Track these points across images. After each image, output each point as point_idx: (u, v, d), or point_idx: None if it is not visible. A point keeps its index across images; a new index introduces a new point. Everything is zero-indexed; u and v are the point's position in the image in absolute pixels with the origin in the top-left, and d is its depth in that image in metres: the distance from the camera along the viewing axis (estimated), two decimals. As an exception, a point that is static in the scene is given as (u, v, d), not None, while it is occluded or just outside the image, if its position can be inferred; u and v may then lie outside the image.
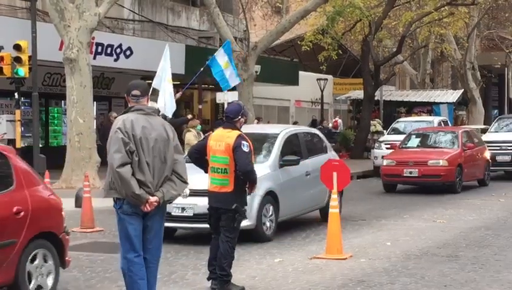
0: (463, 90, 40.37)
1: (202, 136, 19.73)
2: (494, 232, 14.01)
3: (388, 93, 40.42)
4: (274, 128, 15.53)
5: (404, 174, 21.13)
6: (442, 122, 29.84)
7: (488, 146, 25.24)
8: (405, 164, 21.18)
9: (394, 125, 30.32)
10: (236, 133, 9.16)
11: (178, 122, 19.10)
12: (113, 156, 7.15)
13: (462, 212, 16.93)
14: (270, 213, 13.06)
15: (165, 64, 18.08)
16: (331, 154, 15.22)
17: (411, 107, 38.90)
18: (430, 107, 37.90)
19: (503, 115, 35.73)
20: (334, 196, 11.54)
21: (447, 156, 21.34)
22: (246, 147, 9.06)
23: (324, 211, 14.28)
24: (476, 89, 40.19)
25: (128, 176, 7.10)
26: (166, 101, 17.86)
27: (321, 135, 15.97)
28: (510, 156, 26.24)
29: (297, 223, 14.87)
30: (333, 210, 11.44)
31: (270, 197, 13.09)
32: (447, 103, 37.78)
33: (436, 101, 38.10)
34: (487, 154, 23.99)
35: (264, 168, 12.98)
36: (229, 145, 9.05)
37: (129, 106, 7.48)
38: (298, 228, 14.49)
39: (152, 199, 7.21)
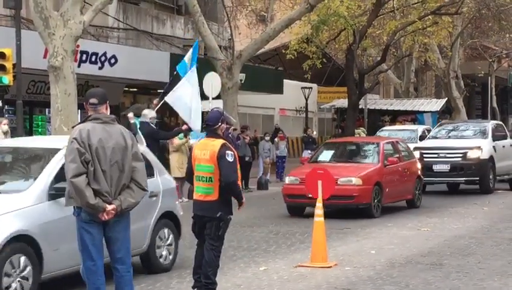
0: (447, 99, 40.55)
1: (188, 142, 19.79)
2: (477, 240, 14.06)
3: (372, 101, 40.56)
4: (54, 142, 10.55)
5: (310, 195, 15.39)
6: (426, 131, 29.96)
7: (425, 154, 23.14)
8: None
9: (378, 134, 30.40)
10: (220, 141, 9.14)
11: (172, 134, 19.11)
12: (68, 166, 7.22)
13: (446, 221, 16.98)
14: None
15: (195, 90, 18.31)
16: (159, 180, 10.99)
17: (395, 116, 39.05)
18: (414, 116, 38.07)
19: (446, 120, 32.48)
20: (319, 204, 11.56)
21: (361, 172, 17.68)
22: (230, 156, 9.02)
23: (146, 259, 10.70)
24: (459, 97, 40.37)
25: (82, 186, 7.14)
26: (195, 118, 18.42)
27: (150, 156, 11.02)
28: (449, 165, 23.08)
29: (283, 232, 14.88)
30: (318, 219, 11.46)
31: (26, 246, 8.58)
32: (430, 111, 37.95)
33: (420, 109, 38.26)
34: (418, 170, 20.23)
35: (16, 199, 8.80)
36: (214, 154, 9.02)
37: (88, 114, 7.50)
38: (284, 236, 14.50)
39: (109, 207, 7.23)
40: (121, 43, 27.92)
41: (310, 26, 30.60)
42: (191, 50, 19.67)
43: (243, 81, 26.44)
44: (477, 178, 23.16)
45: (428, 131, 30.53)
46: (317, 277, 10.59)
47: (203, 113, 28.66)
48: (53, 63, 18.16)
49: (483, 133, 24.58)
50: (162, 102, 18.57)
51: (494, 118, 51.53)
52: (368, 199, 17.35)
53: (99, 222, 7.30)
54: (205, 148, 9.16)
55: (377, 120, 39.19)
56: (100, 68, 24.92)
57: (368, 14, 31.76)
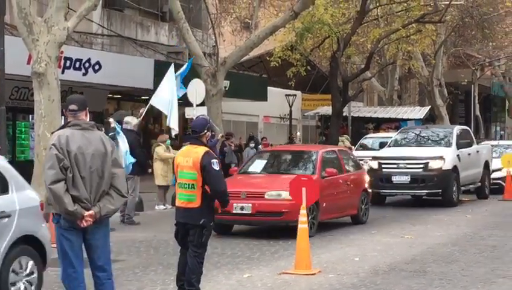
0: (430, 106, 40.70)
1: (171, 151, 19.77)
2: (461, 247, 14.12)
3: (356, 109, 40.65)
4: None
5: (234, 211, 14.81)
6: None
7: (383, 164, 21.89)
8: (236, 196, 14.49)
9: (362, 141, 30.49)
10: (203, 149, 9.12)
11: (143, 160, 18.50)
12: (47, 172, 7.18)
13: (430, 228, 17.04)
14: None
15: (171, 84, 18.26)
16: (16, 197, 9.07)
17: (379, 124, 39.15)
18: (398, 124, 38.14)
19: (407, 126, 30.00)
20: (303, 211, 11.58)
21: None
22: (215, 165, 9.00)
23: None
24: (443, 105, 40.55)
25: (61, 192, 7.11)
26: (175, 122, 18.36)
27: (2, 168, 9.14)
28: (409, 176, 21.52)
29: (266, 239, 14.88)
30: (302, 225, 11.48)
31: None
32: (414, 119, 38.06)
33: (403, 117, 38.36)
34: (365, 182, 18.38)
35: None
36: (197, 161, 9.00)
37: (68, 120, 7.49)
38: (268, 243, 14.49)
39: (87, 213, 7.20)
40: (105, 50, 27.86)
41: (294, 33, 30.65)
42: (184, 67, 19.69)
43: (227, 88, 26.44)
44: (440, 190, 21.63)
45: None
46: (301, 284, 10.60)
47: (186, 120, 28.72)
48: (37, 69, 18.10)
49: (447, 141, 23.10)
50: (147, 107, 18.57)
51: (477, 126, 51.86)
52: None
53: (79, 229, 7.27)
54: (188, 155, 9.15)
55: (360, 128, 39.28)
56: (84, 74, 24.84)
57: (352, 21, 31.84)
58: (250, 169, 17.08)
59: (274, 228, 15.57)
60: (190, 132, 9.69)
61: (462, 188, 22.74)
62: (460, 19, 37.09)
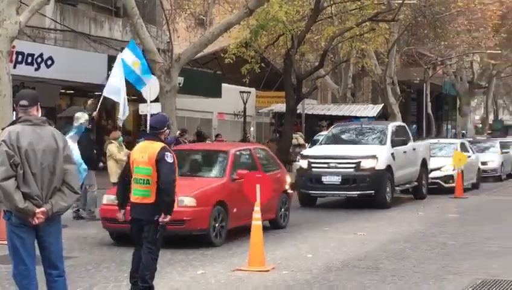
0: (383, 104, 41.00)
1: (124, 148, 19.64)
2: (412, 244, 14.26)
3: (310, 106, 40.81)
4: None
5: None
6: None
7: (313, 163, 20.78)
8: None
9: (316, 138, 30.59)
10: (160, 144, 9.18)
11: (94, 161, 18.14)
12: None
13: (382, 225, 17.19)
14: None
15: (120, 73, 18.17)
16: None
17: (332, 121, 39.31)
18: (351, 121, 38.36)
19: (340, 122, 28.36)
20: (257, 208, 11.60)
21: (196, 190, 13.78)
22: (169, 158, 9.09)
23: None
24: (395, 103, 40.87)
25: (11, 189, 7.01)
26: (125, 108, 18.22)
27: None
28: (340, 177, 20.41)
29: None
30: (256, 222, 11.50)
31: None
32: (367, 117, 38.33)
33: (357, 115, 38.61)
34: (285, 183, 16.89)
35: None
36: (153, 156, 9.05)
37: (19, 116, 7.40)
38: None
39: (38, 210, 7.13)
40: (58, 45, 27.57)
41: (248, 30, 30.67)
42: (127, 52, 19.47)
43: (181, 85, 26.33)
44: (372, 191, 20.48)
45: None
46: (255, 281, 10.62)
47: (140, 116, 28.59)
48: (-12, 63, 17.84)
49: (381, 139, 21.97)
50: (101, 100, 18.43)
51: (429, 124, 52.40)
52: (204, 223, 13.46)
53: (30, 226, 7.19)
54: (144, 151, 9.18)
55: (314, 125, 39.46)
56: (36, 69, 24.57)
57: (306, 19, 31.94)
58: None
59: (176, 238, 13.35)
60: (149, 128, 9.72)
61: (398, 188, 21.88)
62: (413, 18, 37.40)
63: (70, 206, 7.51)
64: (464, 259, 12.64)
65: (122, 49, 30.09)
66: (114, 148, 19.02)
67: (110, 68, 25.97)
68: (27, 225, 7.16)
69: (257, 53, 33.32)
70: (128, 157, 9.56)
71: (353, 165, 20.55)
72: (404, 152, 22.27)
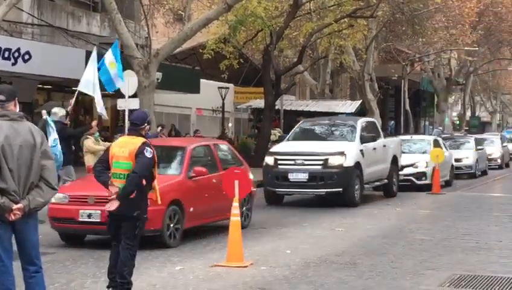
0: (361, 101, 41.14)
1: (101, 143, 19.59)
2: (390, 240, 14.32)
3: (288, 102, 40.86)
4: None
5: (81, 218, 12.80)
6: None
7: (279, 160, 20.09)
8: (82, 201, 12.97)
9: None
10: (141, 139, 9.23)
11: (79, 131, 18.96)
12: None
13: (360, 221, 17.24)
14: None
15: (94, 68, 18.19)
16: None
17: (311, 117, 39.37)
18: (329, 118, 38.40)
19: (308, 118, 26.71)
20: (235, 203, 11.60)
21: None
22: (149, 153, 9.11)
23: None
24: (373, 100, 41.01)
25: None
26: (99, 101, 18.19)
27: None
28: (307, 174, 19.69)
29: (198, 231, 14.85)
30: (234, 218, 11.50)
31: None
32: (345, 113, 38.42)
33: (335, 111, 38.69)
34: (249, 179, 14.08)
35: None
36: (133, 151, 9.07)
37: None
38: (199, 235, 14.47)
39: (15, 206, 7.08)
40: (36, 39, 27.40)
41: (227, 26, 30.65)
42: (109, 52, 19.47)
43: (159, 80, 26.26)
44: (340, 189, 19.74)
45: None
46: (233, 277, 10.62)
47: (118, 111, 28.49)
48: (-36, 58, 17.74)
49: (350, 135, 21.37)
50: (75, 96, 18.37)
51: (407, 120, 52.60)
52: (157, 223, 12.57)
53: (7, 222, 7.13)
54: (125, 146, 9.20)
55: (292, 121, 39.42)
56: (13, 64, 24.39)
57: (285, 15, 31.98)
58: None
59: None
60: (130, 124, 9.72)
61: (367, 185, 21.31)
62: (391, 15, 37.55)
63: (47, 202, 7.46)
64: (441, 255, 12.71)
65: (100, 44, 30.09)
66: (90, 143, 18.97)
67: (88, 63, 25.95)
68: (4, 221, 7.10)
69: (236, 49, 33.34)
70: (108, 149, 9.52)
71: (321, 162, 19.86)
72: (374, 149, 21.72)
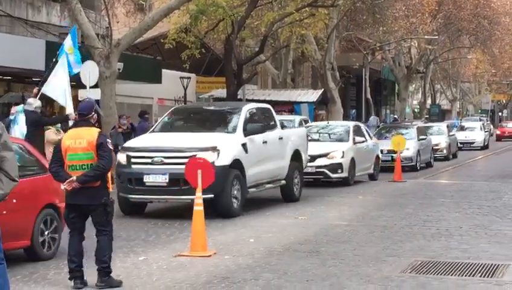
0: (323, 90, 41.27)
1: (62, 134, 19.48)
2: (353, 228, 14.43)
3: (250, 92, 40.86)
4: None
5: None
6: (303, 121, 30.43)
7: (133, 157, 15.53)
8: None
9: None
10: (96, 130, 9.37)
11: (56, 120, 18.92)
12: None
13: (323, 209, 17.34)
14: None
15: (64, 71, 18.23)
16: None
17: (273, 106, 39.37)
18: (291, 106, 38.54)
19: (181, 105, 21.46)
20: (199, 193, 11.62)
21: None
22: (109, 144, 9.31)
23: None
24: (335, 89, 41.18)
25: None
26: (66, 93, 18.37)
27: None
28: (167, 176, 15.13)
29: (162, 221, 14.85)
30: (197, 208, 11.51)
31: None
32: (307, 102, 38.54)
33: (297, 100, 38.78)
34: (49, 192, 11.21)
35: None
36: (93, 140, 9.19)
37: None
38: (163, 225, 14.46)
39: None
40: (-6, 30, 27.11)
41: (188, 15, 30.51)
42: (69, 37, 19.41)
43: (120, 70, 26.11)
44: (211, 195, 14.68)
45: (306, 121, 31.04)
46: (197, 266, 10.64)
47: (79, 102, 28.25)
48: None
49: (231, 125, 17.07)
50: (40, 92, 18.29)
51: (368, 109, 52.91)
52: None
53: None
54: (80, 137, 9.24)
55: (254, 110, 39.48)
56: (-28, 55, 24.13)
57: (246, 4, 31.93)
58: None
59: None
60: (77, 115, 9.71)
61: (253, 189, 16.96)
62: (352, 4, 37.66)
63: (7, 193, 7.39)
64: (403, 241, 12.84)
65: (60, 34, 29.83)
66: (52, 134, 18.86)
67: (47, 54, 25.70)
68: None
69: (197, 38, 33.21)
70: (58, 147, 9.42)
71: (185, 161, 13.23)
72: (265, 142, 17.33)
